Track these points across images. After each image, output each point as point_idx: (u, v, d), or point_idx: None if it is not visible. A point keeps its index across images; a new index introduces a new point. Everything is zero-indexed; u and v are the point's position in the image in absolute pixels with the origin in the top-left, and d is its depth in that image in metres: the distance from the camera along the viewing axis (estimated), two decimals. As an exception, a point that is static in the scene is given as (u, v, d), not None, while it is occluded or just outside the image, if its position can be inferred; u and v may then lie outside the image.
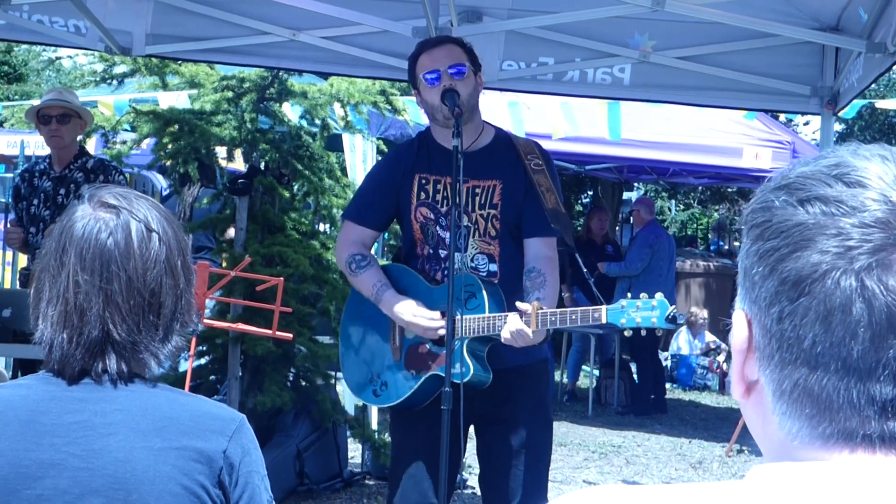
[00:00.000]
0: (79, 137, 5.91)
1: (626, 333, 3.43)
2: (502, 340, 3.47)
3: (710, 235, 21.74)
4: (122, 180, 5.80)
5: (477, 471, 3.85)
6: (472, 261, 3.68)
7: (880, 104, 10.35)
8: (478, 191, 3.69)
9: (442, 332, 3.54)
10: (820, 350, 0.90)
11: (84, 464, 1.65)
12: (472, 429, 3.78)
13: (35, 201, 5.81)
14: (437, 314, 3.59)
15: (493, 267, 3.70)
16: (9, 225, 6.06)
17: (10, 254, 8.58)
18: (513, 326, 3.42)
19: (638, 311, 3.34)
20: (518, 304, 3.46)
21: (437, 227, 3.71)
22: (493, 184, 3.71)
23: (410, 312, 3.60)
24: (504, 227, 3.72)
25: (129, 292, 1.71)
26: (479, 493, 3.89)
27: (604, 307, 3.39)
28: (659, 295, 3.35)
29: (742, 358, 0.98)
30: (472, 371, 3.50)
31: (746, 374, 0.99)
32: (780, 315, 0.92)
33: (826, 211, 0.91)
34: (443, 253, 3.70)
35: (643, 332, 3.45)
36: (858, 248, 0.88)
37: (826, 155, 0.96)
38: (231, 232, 7.20)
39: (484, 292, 3.57)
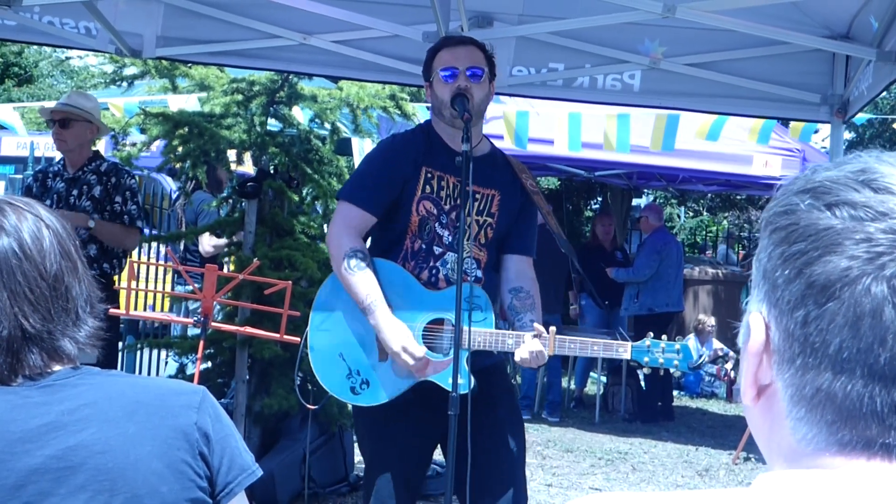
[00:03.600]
0: (91, 140, 5.92)
1: (644, 371, 3.54)
2: (517, 360, 3.49)
3: (718, 244, 21.67)
4: (133, 184, 5.81)
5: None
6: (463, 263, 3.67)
7: None
8: (478, 196, 3.68)
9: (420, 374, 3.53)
10: (846, 356, 0.89)
11: (63, 463, 1.65)
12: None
13: (47, 202, 5.79)
14: (422, 352, 3.51)
15: (479, 273, 3.69)
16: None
17: None
18: (533, 348, 3.45)
19: (662, 353, 3.45)
20: (536, 325, 3.49)
21: (437, 224, 3.66)
22: (492, 193, 3.73)
23: (400, 345, 3.48)
24: (495, 237, 3.74)
25: (33, 282, 1.72)
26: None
27: (629, 344, 3.49)
28: (686, 340, 3.51)
29: (757, 361, 0.97)
30: (472, 384, 3.48)
31: (760, 377, 0.98)
32: (805, 319, 0.92)
33: (854, 215, 0.91)
34: (437, 250, 3.66)
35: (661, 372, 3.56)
36: (889, 255, 0.88)
37: (849, 161, 0.96)
38: (204, 238, 7.23)
39: (492, 306, 3.59)
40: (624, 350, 3.47)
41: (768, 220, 0.98)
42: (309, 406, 3.93)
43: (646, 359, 3.47)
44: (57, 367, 1.74)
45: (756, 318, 0.98)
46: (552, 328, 3.48)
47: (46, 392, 1.71)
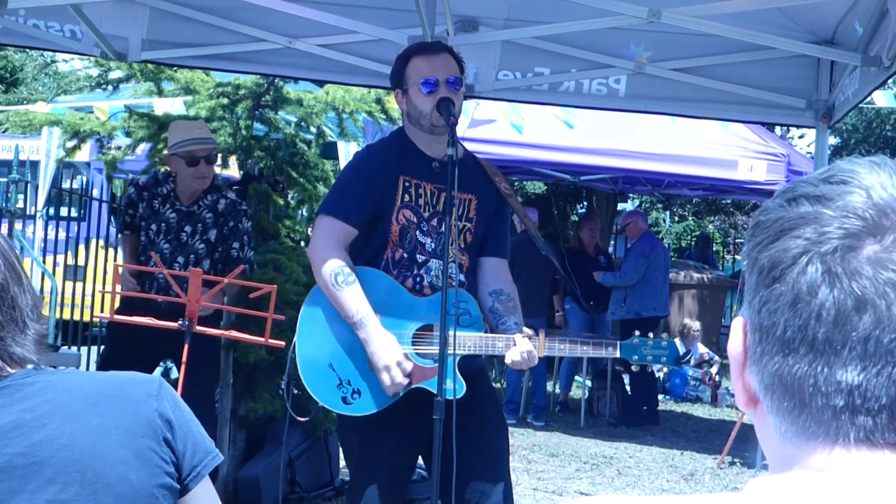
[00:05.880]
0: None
1: (633, 368, 3.67)
2: (507, 363, 3.50)
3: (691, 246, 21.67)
4: (249, 227, 5.50)
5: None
6: None
7: (877, 98, 10.23)
8: (456, 202, 3.67)
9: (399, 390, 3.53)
10: (790, 335, 0.91)
11: (30, 460, 1.66)
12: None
13: (154, 226, 5.43)
14: (408, 368, 3.51)
15: (462, 277, 3.69)
16: (120, 266, 5.63)
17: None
18: (524, 349, 3.47)
19: (650, 350, 3.56)
20: (525, 328, 3.54)
21: (418, 232, 3.67)
22: (469, 197, 3.74)
23: (389, 361, 3.48)
24: (473, 241, 3.76)
25: None
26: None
27: (618, 343, 3.59)
28: (671, 338, 3.65)
29: (739, 365, 0.99)
30: (463, 388, 3.48)
31: (747, 382, 0.99)
32: (760, 305, 0.94)
33: (809, 205, 0.93)
34: (420, 258, 3.67)
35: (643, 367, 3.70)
36: (831, 234, 0.90)
37: (826, 168, 0.99)
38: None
39: (480, 311, 3.61)
40: (613, 349, 3.54)
41: (749, 227, 1.00)
42: (298, 419, 3.90)
43: (635, 357, 3.58)
44: (11, 371, 1.75)
45: (736, 322, 1.00)
46: (541, 330, 3.54)
47: (4, 394, 1.72)
